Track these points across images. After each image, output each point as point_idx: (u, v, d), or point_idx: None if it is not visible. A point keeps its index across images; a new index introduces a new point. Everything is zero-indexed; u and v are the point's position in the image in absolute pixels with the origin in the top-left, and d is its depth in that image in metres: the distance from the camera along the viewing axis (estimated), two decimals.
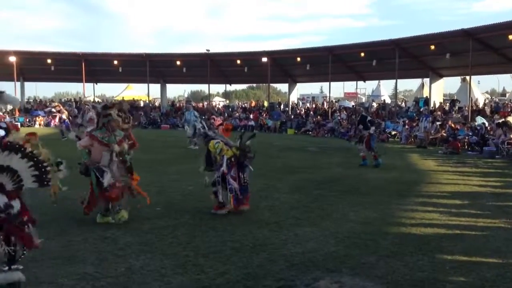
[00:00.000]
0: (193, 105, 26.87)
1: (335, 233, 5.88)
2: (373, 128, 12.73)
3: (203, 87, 67.63)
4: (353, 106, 33.19)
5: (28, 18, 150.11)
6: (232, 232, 5.87)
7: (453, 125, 19.89)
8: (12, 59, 32.30)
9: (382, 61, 27.34)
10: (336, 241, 5.54)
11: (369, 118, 13.19)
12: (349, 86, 50.15)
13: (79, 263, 4.62)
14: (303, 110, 32.66)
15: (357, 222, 6.46)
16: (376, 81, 40.98)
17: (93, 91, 39.64)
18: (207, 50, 33.50)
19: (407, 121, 23.55)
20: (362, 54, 27.12)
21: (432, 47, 23.83)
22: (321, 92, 55.74)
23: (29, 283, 4.12)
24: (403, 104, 32.99)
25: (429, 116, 20.97)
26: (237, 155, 6.85)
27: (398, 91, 32.06)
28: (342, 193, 8.68)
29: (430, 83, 27.65)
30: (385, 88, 45.58)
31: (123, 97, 41.30)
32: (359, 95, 42.57)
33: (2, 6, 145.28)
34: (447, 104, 27.88)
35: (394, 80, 28.48)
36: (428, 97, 27.48)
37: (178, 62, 34.15)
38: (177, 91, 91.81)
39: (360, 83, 35.25)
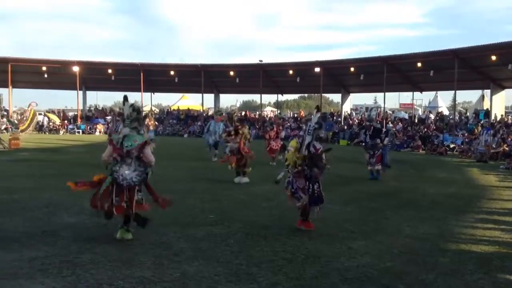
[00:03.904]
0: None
1: (390, 248, 5.72)
2: (387, 139, 12.26)
3: (255, 97, 68.35)
4: (409, 117, 32.29)
5: (91, 29, 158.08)
6: (284, 243, 5.84)
7: None
8: (76, 69, 34.03)
9: (440, 72, 26.53)
10: (392, 256, 5.39)
11: (384, 129, 12.67)
12: (405, 97, 48.91)
13: (136, 267, 4.75)
14: (356, 120, 32.18)
15: (413, 238, 6.26)
16: (433, 92, 39.81)
17: (150, 101, 40.97)
18: (260, 60, 33.83)
19: (466, 134, 22.68)
20: (419, 64, 26.46)
21: (494, 57, 22.89)
22: (375, 102, 54.68)
23: (89, 285, 4.30)
24: (463, 116, 31.76)
25: (490, 129, 20.06)
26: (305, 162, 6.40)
27: (456, 102, 30.90)
28: (397, 207, 8.45)
29: (491, 95, 26.52)
30: (443, 99, 44.20)
31: (178, 107, 42.52)
32: (415, 106, 41.45)
33: (68, 18, 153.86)
34: (510, 116, 26.57)
35: (453, 91, 27.57)
36: (489, 109, 26.32)
37: (231, 73, 34.73)
38: (230, 100, 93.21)
39: (417, 93, 34.37)
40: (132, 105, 5.95)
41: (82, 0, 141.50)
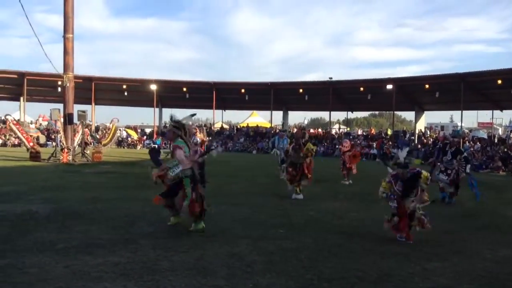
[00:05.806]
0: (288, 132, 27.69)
1: (468, 270, 5.48)
2: (469, 166, 11.20)
3: (323, 114, 68.03)
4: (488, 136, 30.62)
5: (167, 49, 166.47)
6: (355, 260, 5.78)
7: None
8: (153, 87, 35.80)
9: None
10: (470, 279, 5.16)
11: (465, 154, 11.54)
12: (483, 115, 46.43)
13: (211, 276, 4.92)
14: (431, 139, 31.03)
15: (493, 261, 5.94)
16: None
17: (221, 118, 42.11)
18: (329, 78, 33.77)
19: None
20: (499, 81, 25.17)
21: None
22: (451, 121, 52.36)
23: None
24: None
25: None
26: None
27: None
28: (476, 229, 8.07)
29: None
30: None
31: (247, 123, 43.27)
32: (495, 125, 39.27)
33: (147, 39, 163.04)
34: None
35: None
36: None
37: (300, 90, 34.92)
38: (298, 118, 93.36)
39: (496, 112, 32.60)
40: (171, 117, 7.20)
41: (160, 21, 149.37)
